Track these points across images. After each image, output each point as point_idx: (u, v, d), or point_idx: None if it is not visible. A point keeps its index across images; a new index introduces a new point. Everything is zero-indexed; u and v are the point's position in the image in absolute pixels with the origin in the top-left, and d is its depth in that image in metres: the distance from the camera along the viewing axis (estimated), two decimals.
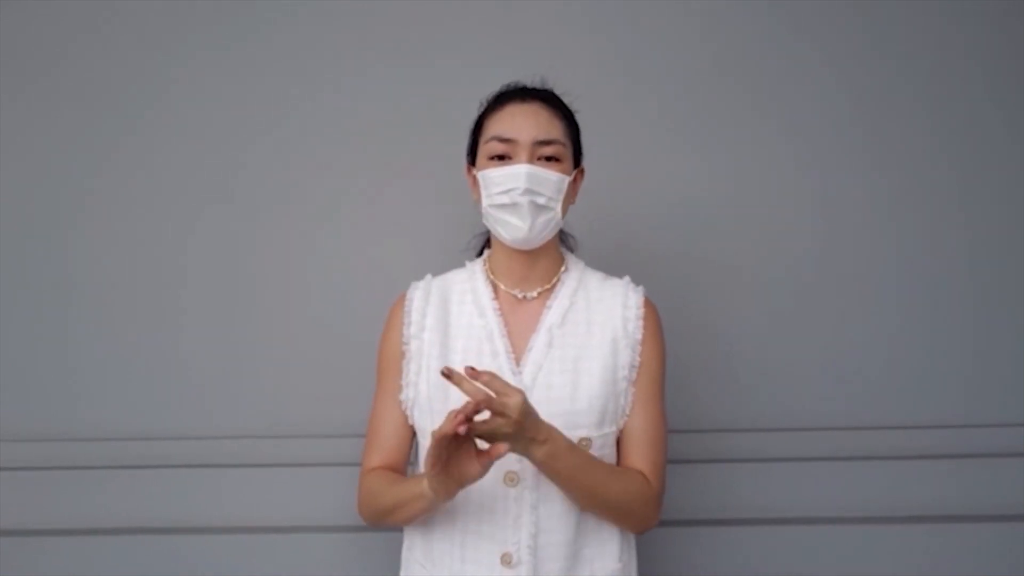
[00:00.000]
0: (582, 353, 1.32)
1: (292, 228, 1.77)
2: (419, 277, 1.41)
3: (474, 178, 1.36)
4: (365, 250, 1.76)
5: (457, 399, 1.20)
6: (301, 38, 1.78)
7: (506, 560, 1.25)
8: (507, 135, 1.30)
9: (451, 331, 1.35)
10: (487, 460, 1.17)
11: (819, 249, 1.77)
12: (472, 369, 1.15)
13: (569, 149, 1.34)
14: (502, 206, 1.30)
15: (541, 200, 1.29)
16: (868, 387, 1.76)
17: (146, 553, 1.71)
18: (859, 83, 1.78)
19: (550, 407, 1.24)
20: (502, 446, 1.16)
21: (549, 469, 1.24)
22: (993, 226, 1.78)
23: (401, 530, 1.38)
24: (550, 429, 1.22)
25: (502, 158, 1.31)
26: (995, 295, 1.77)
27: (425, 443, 1.30)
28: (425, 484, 1.21)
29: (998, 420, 1.75)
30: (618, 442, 1.35)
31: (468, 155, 1.39)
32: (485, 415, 1.16)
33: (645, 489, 1.31)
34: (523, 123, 1.30)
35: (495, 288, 1.38)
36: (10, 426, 1.74)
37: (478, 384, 1.15)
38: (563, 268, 1.39)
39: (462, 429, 1.12)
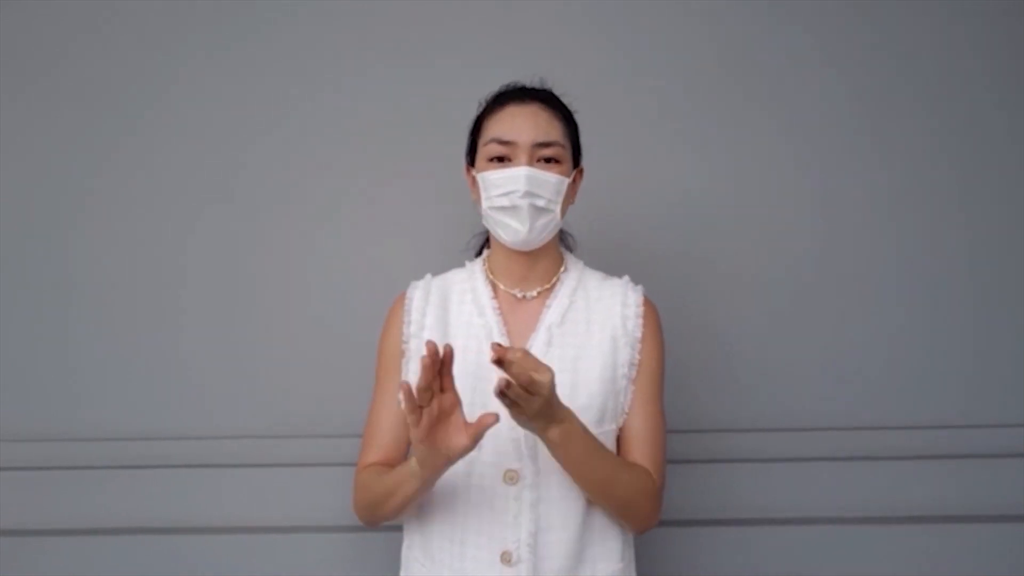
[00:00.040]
0: (582, 352, 1.32)
1: (292, 228, 1.77)
2: (419, 277, 1.41)
3: (473, 179, 1.36)
4: (365, 250, 1.76)
5: None
6: (301, 38, 1.78)
7: (506, 558, 1.25)
8: (506, 137, 1.30)
9: (451, 330, 1.35)
10: (476, 431, 1.15)
11: (819, 249, 1.77)
12: (499, 345, 1.11)
13: (568, 150, 1.33)
14: (502, 208, 1.30)
15: (540, 202, 1.29)
16: (868, 387, 1.76)
17: (146, 553, 1.71)
18: (859, 83, 1.78)
19: None
20: (490, 416, 1.14)
21: (562, 451, 1.22)
22: (993, 226, 1.78)
23: (400, 529, 1.38)
24: (567, 410, 1.20)
25: (501, 160, 1.31)
26: (995, 295, 1.77)
27: None
28: (413, 462, 1.20)
29: (998, 420, 1.75)
30: (618, 441, 1.35)
31: (467, 156, 1.39)
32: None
33: (649, 484, 1.31)
34: (522, 125, 1.30)
35: (494, 288, 1.37)
36: (10, 426, 1.75)
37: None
38: (562, 268, 1.39)
39: (502, 382, 1.08)
